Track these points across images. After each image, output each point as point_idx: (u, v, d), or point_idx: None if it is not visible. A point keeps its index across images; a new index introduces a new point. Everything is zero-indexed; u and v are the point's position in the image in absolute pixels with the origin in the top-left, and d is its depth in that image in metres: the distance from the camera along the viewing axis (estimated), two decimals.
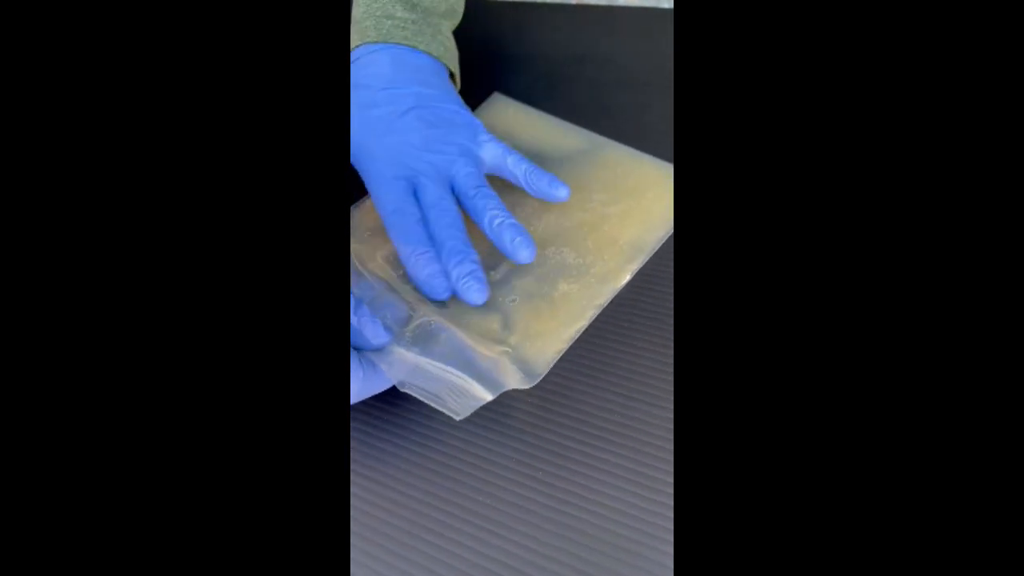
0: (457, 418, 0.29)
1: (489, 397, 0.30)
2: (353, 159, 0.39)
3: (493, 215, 0.36)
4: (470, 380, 0.30)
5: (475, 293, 0.34)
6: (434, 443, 0.31)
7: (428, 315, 0.33)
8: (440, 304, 0.35)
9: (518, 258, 0.35)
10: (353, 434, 0.32)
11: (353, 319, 0.30)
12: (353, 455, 0.31)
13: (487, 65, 0.52)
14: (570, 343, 0.33)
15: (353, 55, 0.42)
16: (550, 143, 0.44)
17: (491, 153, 0.39)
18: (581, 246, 0.38)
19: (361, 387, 0.30)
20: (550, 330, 0.34)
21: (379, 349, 0.31)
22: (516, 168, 0.39)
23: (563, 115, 0.46)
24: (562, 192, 0.38)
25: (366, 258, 0.37)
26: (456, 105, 0.40)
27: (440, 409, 0.29)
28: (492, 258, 0.37)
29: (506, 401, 0.32)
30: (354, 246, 0.38)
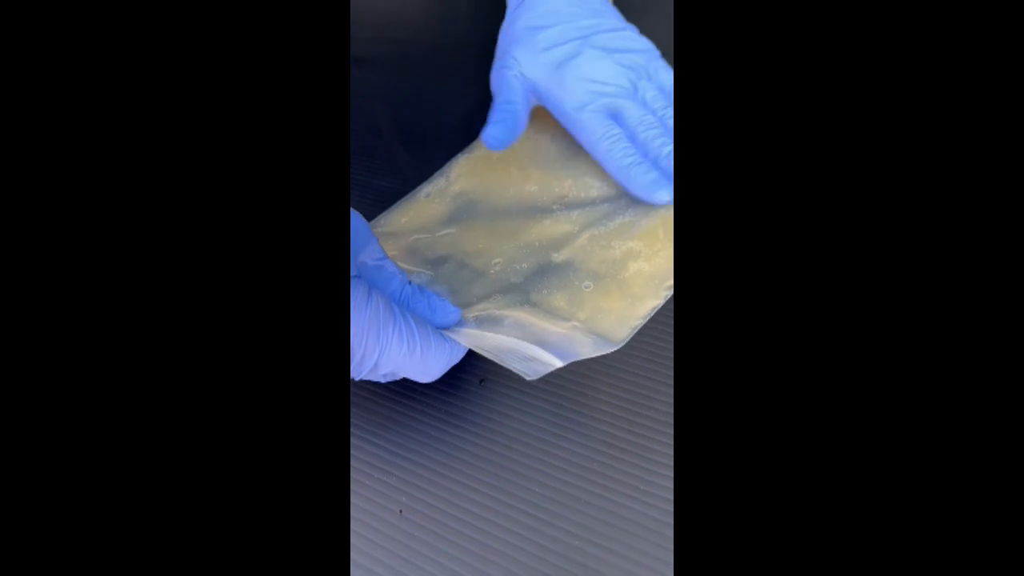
0: (528, 378, 0.29)
1: (559, 363, 0.30)
2: (541, 97, 0.41)
3: (664, 142, 0.38)
4: (538, 350, 0.30)
5: None
6: (482, 430, 0.31)
7: (488, 308, 0.33)
8: (501, 295, 0.35)
9: None
10: (401, 421, 0.32)
11: (423, 300, 0.31)
12: (400, 444, 0.31)
13: None
14: (646, 319, 0.33)
15: None
16: None
17: (662, 80, 0.41)
18: (651, 236, 0.37)
19: (451, 356, 0.31)
20: (623, 307, 0.33)
21: (448, 328, 0.31)
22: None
23: None
24: None
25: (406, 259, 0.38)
26: (630, 30, 0.42)
27: (510, 368, 0.30)
28: (553, 241, 0.37)
29: (567, 395, 0.32)
30: (400, 250, 0.38)
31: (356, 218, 0.31)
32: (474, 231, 0.39)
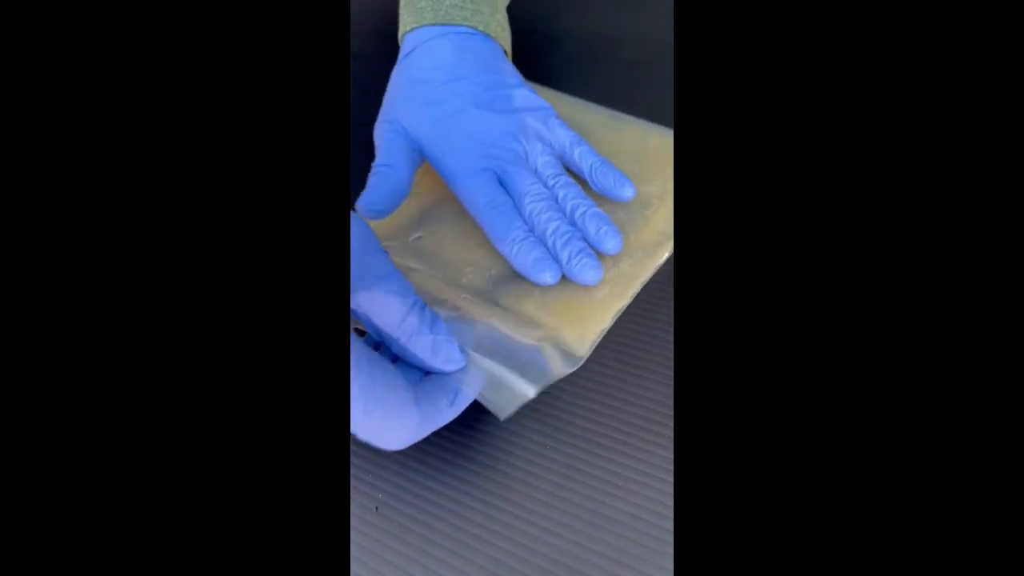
0: (501, 417, 0.28)
1: (532, 394, 0.29)
2: (428, 156, 0.38)
3: (575, 204, 0.35)
4: (509, 373, 0.30)
5: (590, 271, 0.33)
6: (460, 427, 0.31)
7: (460, 306, 0.33)
8: (472, 293, 0.34)
9: (605, 248, 0.34)
10: None
11: (427, 337, 0.28)
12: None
13: (520, 47, 0.51)
14: (611, 323, 0.32)
15: (409, 40, 0.41)
16: (568, 119, 0.42)
17: (560, 141, 0.38)
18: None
19: (418, 428, 0.27)
20: (589, 311, 0.33)
21: (448, 373, 0.29)
22: (582, 160, 0.37)
23: (597, 98, 0.45)
24: (628, 192, 0.36)
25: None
26: (524, 88, 0.39)
27: (483, 403, 0.29)
28: None
29: (544, 388, 0.31)
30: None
31: (358, 227, 0.27)
32: (443, 237, 0.38)
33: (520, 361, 0.30)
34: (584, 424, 0.30)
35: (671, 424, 0.29)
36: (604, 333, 0.32)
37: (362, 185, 0.41)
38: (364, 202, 0.35)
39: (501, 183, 0.36)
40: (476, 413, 0.31)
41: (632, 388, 0.31)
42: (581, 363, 0.31)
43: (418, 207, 0.39)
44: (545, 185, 0.36)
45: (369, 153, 0.44)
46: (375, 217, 0.35)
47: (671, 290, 0.34)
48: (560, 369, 0.30)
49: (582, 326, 0.32)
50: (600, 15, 0.52)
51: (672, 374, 0.31)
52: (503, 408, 0.28)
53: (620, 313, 0.33)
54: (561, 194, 0.36)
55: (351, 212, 0.27)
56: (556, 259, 0.34)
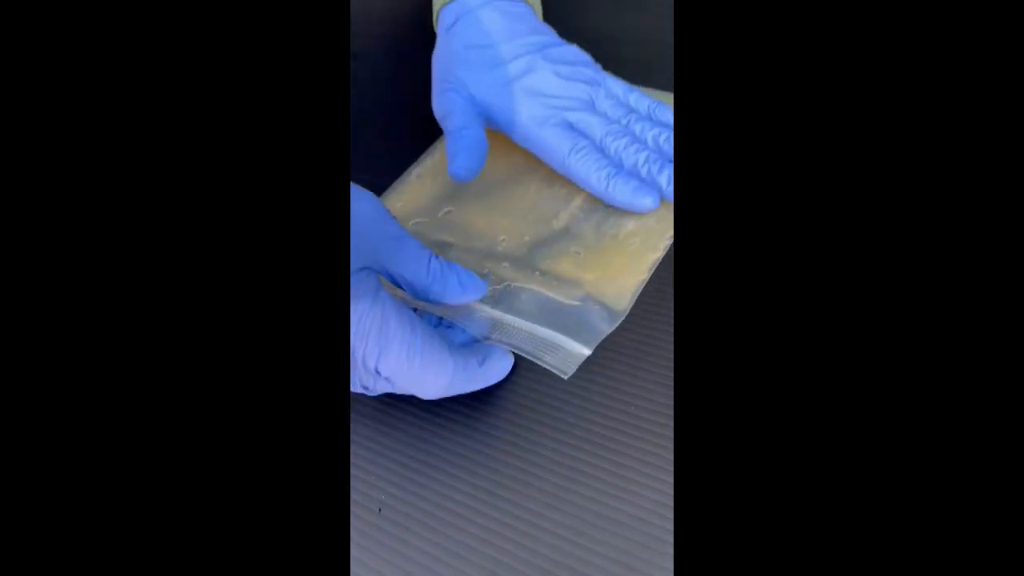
0: (565, 376, 0.30)
1: (587, 352, 0.31)
2: (494, 118, 0.39)
3: (656, 133, 0.37)
4: (562, 337, 0.31)
5: None
6: (462, 427, 0.31)
7: (504, 278, 0.34)
8: (510, 261, 0.35)
9: None
10: (380, 419, 0.32)
11: (452, 275, 0.30)
12: (380, 441, 0.31)
13: None
14: (649, 273, 0.34)
15: (449, 12, 0.41)
16: None
17: (613, 89, 0.39)
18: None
19: (452, 376, 0.29)
20: (625, 265, 0.34)
21: (463, 304, 0.30)
22: (639, 105, 0.39)
23: None
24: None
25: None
26: (570, 45, 0.41)
27: (544, 366, 0.30)
28: (552, 206, 0.38)
29: (544, 389, 0.31)
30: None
31: (367, 199, 0.29)
32: (472, 208, 0.39)
33: (569, 324, 0.32)
34: (588, 425, 0.30)
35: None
36: (642, 286, 0.33)
37: (362, 185, 0.41)
38: (457, 164, 0.37)
39: (576, 129, 0.38)
40: (477, 413, 0.31)
41: (637, 390, 0.31)
42: (623, 317, 0.32)
43: (443, 184, 0.41)
44: (619, 124, 0.38)
45: (370, 153, 0.44)
46: (469, 176, 0.37)
47: (671, 290, 0.34)
48: (606, 327, 0.32)
49: (620, 280, 0.34)
50: (600, 15, 0.52)
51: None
52: (564, 370, 0.30)
53: (655, 266, 0.34)
54: (638, 128, 0.38)
55: (358, 186, 0.29)
56: (653, 184, 0.36)
